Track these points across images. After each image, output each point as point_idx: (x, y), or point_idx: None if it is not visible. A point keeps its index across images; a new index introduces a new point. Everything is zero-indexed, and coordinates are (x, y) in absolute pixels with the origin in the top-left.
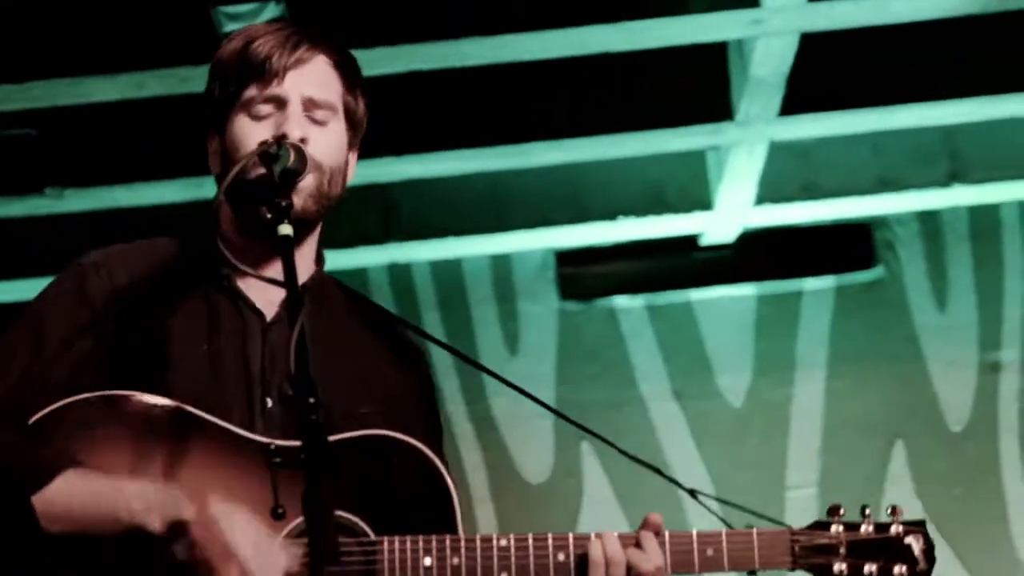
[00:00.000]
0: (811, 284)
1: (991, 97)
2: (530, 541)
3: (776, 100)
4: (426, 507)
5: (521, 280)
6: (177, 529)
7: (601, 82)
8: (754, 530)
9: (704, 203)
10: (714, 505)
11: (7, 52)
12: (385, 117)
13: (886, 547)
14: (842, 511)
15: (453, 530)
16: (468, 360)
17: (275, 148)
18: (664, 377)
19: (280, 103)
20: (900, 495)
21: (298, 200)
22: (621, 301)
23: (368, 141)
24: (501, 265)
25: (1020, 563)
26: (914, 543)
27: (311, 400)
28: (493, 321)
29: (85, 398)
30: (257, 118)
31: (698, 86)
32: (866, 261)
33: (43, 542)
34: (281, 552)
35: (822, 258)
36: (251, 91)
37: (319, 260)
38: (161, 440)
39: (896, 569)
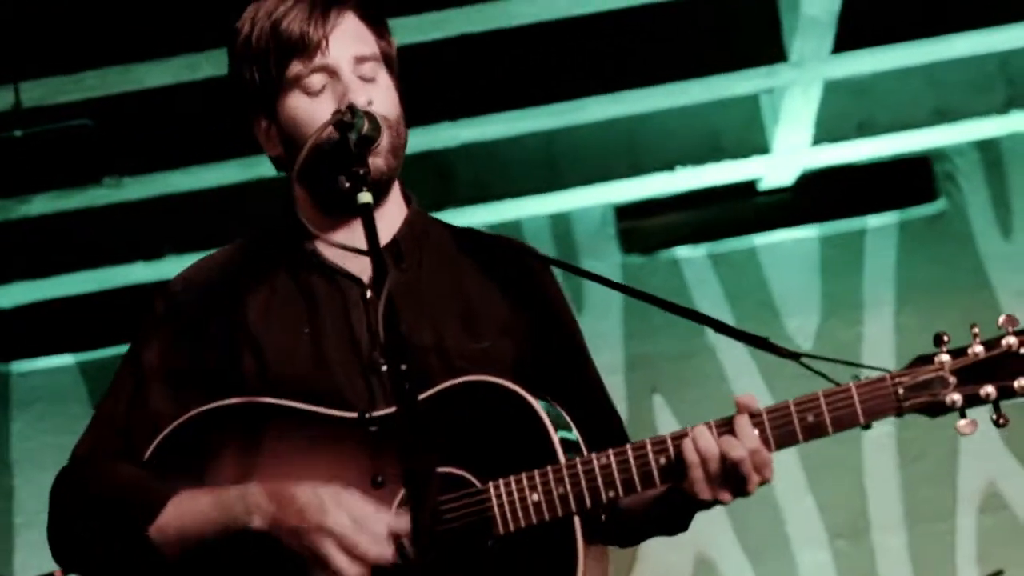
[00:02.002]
0: (874, 221)
1: None
2: (629, 453)
3: (829, 38)
4: (524, 445)
5: (582, 237)
6: (276, 524)
7: (650, 32)
8: (851, 384)
9: (761, 147)
10: (825, 368)
11: (59, 43)
12: (437, 82)
13: (1001, 363)
14: (946, 338)
15: (554, 460)
16: (579, 271)
17: (349, 116)
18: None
19: (331, 72)
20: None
21: (378, 160)
22: (683, 251)
23: (422, 107)
24: (561, 224)
25: None
26: None
27: (402, 367)
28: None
29: (189, 418)
30: (312, 93)
31: (749, 29)
32: (928, 194)
33: (168, 569)
34: (381, 520)
35: (883, 194)
36: (296, 67)
37: (408, 200)
38: (261, 440)
39: (1017, 383)
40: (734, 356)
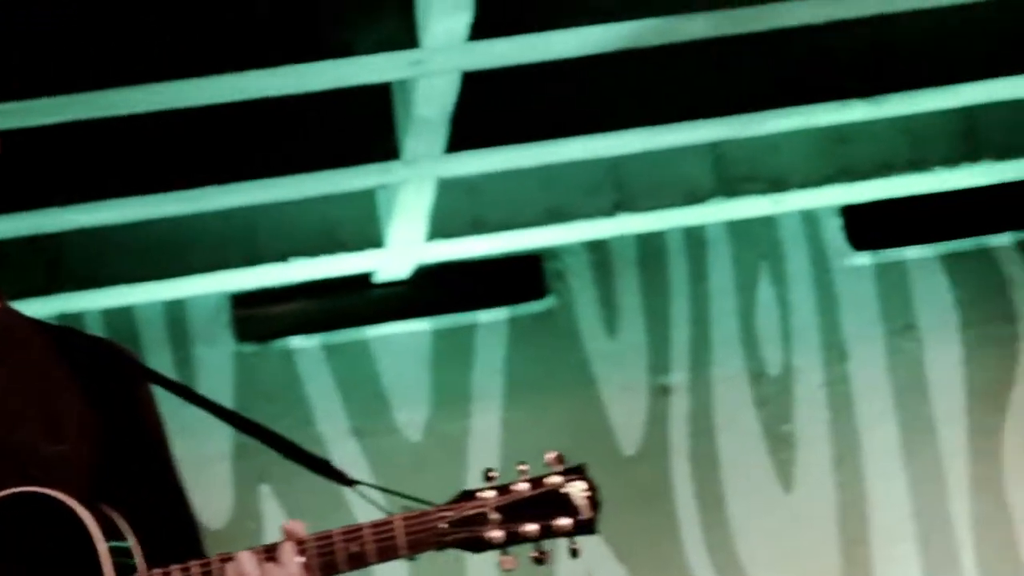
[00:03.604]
0: (484, 316)
1: (651, 128)
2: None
3: (441, 138)
4: (70, 555)
5: (196, 324)
6: None
7: (269, 124)
8: (397, 516)
9: (376, 241)
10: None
11: None
12: (48, 166)
13: (545, 501)
14: (493, 473)
15: (99, 571)
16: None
17: None
18: (343, 415)
19: None
20: None
21: None
22: (297, 341)
23: (30, 191)
24: (175, 310)
25: None
26: (574, 491)
27: None
28: (167, 367)
29: None
30: None
31: (364, 126)
32: (538, 292)
33: None
34: None
35: (495, 291)
36: None
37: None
38: None
39: (558, 523)
40: (343, 446)
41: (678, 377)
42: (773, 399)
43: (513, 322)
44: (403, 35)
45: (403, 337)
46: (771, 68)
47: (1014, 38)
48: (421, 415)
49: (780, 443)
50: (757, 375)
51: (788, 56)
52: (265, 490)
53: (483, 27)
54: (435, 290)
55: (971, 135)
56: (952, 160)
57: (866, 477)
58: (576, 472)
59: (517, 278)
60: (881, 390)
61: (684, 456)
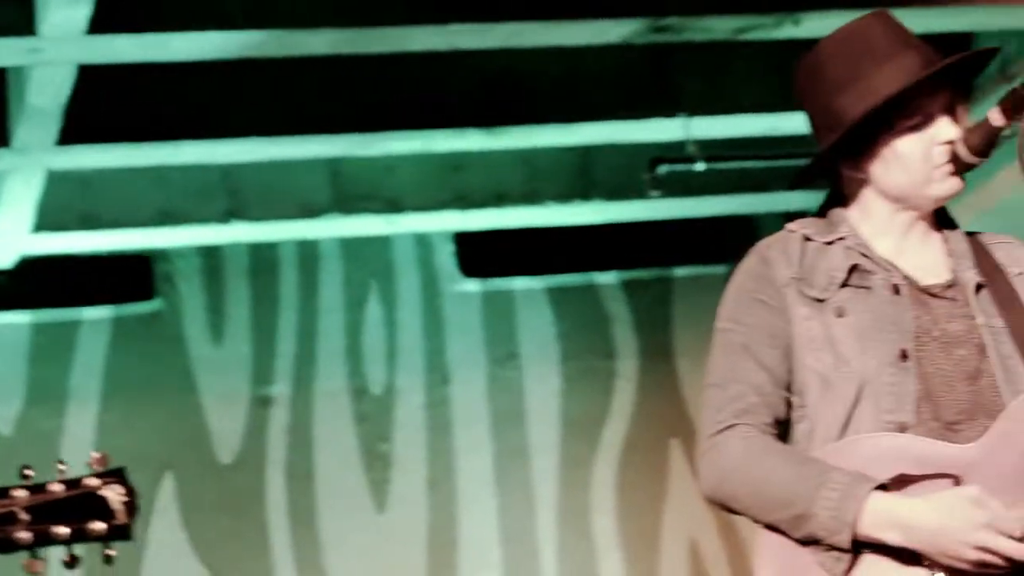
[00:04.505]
0: (89, 314)
1: (268, 138)
2: None
3: (54, 129)
4: None
5: None
6: None
7: None
8: None
9: None
10: None
11: None
12: None
13: (79, 503)
14: (29, 471)
15: None
16: None
17: None
18: None
19: None
20: (167, 525)
21: None
22: None
23: None
24: None
25: None
26: (111, 495)
27: None
28: None
29: None
30: None
31: None
32: (145, 293)
33: None
34: None
35: (101, 288)
36: None
37: None
38: None
39: (92, 526)
40: None
41: (280, 389)
42: (373, 417)
43: (118, 321)
44: (21, 21)
45: (2, 328)
46: (392, 91)
47: (632, 85)
48: (13, 409)
49: (377, 461)
50: (359, 392)
51: (410, 80)
52: None
53: (103, 21)
54: (38, 283)
55: (585, 174)
56: (565, 196)
57: (458, 501)
58: (115, 475)
59: (125, 277)
60: (480, 415)
61: (280, 468)
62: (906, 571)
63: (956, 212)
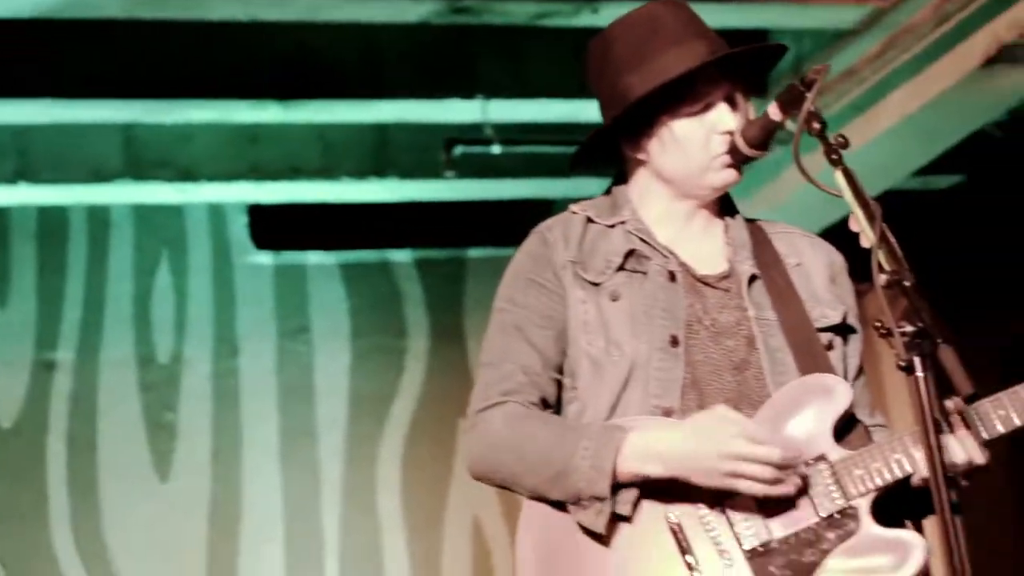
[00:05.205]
0: None
1: (58, 100)
2: None
3: None
4: None
5: None
6: None
7: None
8: None
9: None
10: None
11: None
12: None
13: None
14: None
15: None
16: None
17: None
18: None
19: None
20: None
21: None
22: None
23: None
24: None
25: (56, 560)
26: None
27: None
28: None
29: None
30: None
31: None
32: None
33: None
34: None
35: None
36: None
37: None
38: None
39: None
40: None
41: (64, 355)
42: (159, 386)
43: None
44: None
45: None
46: (189, 59)
47: (431, 65)
48: None
49: (161, 431)
50: (146, 361)
51: (208, 49)
52: None
53: None
54: None
55: (381, 151)
56: (361, 172)
57: (243, 474)
58: None
59: None
60: (268, 388)
61: (61, 436)
62: (662, 528)
63: (749, 206)
